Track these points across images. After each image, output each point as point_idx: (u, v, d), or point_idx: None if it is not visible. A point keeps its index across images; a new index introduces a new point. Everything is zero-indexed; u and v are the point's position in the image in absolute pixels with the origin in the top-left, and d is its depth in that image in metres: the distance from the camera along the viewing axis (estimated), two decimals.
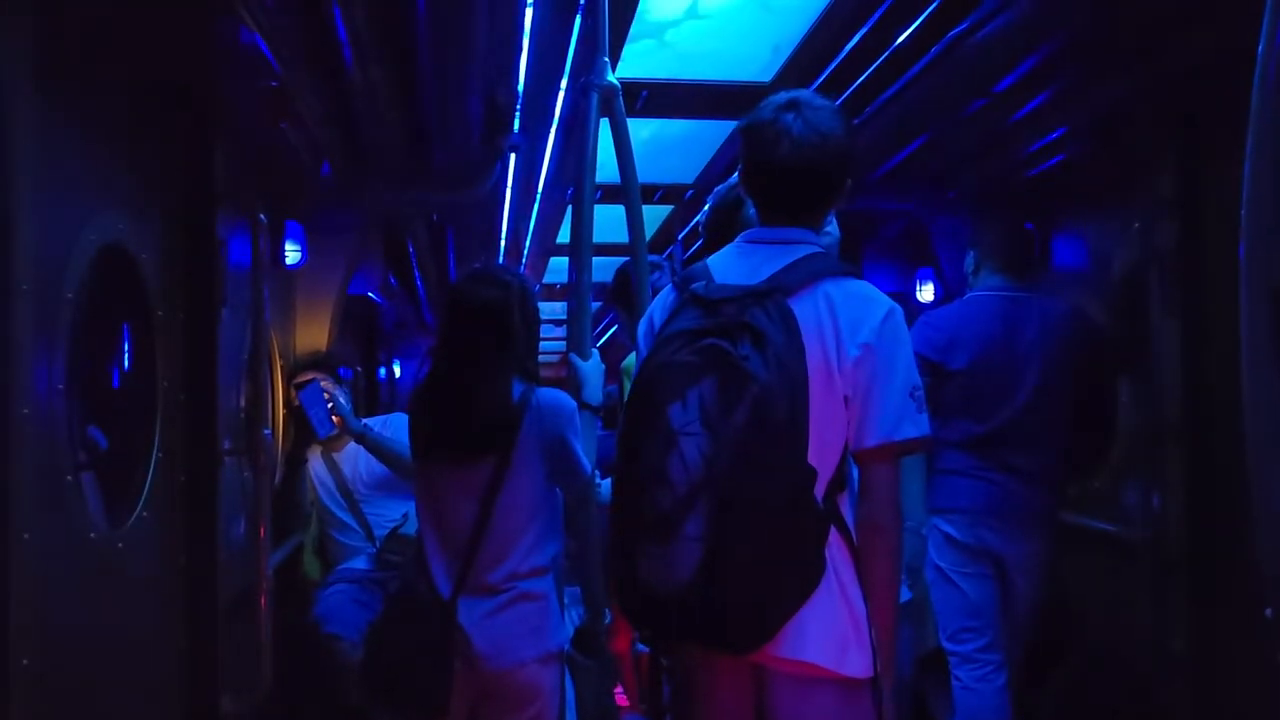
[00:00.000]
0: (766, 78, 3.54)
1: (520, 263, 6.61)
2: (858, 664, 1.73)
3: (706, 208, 2.58)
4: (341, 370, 4.41)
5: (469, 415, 2.40)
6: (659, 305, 1.98)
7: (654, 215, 5.66)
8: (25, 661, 1.61)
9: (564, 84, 3.45)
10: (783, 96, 1.85)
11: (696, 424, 1.65)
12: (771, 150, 1.81)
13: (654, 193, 5.05)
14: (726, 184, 2.54)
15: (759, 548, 1.64)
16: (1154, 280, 3.00)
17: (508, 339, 2.42)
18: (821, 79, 3.28)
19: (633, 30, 3.15)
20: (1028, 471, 3.14)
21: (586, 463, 2.46)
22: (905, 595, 2.94)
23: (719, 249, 1.98)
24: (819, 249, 1.86)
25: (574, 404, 2.48)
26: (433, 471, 2.48)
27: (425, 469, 2.51)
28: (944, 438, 3.16)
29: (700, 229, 2.64)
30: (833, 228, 2.21)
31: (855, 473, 1.83)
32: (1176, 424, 2.93)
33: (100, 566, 2.01)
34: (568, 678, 2.61)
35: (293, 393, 3.93)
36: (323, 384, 3.88)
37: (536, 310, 2.53)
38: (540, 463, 2.42)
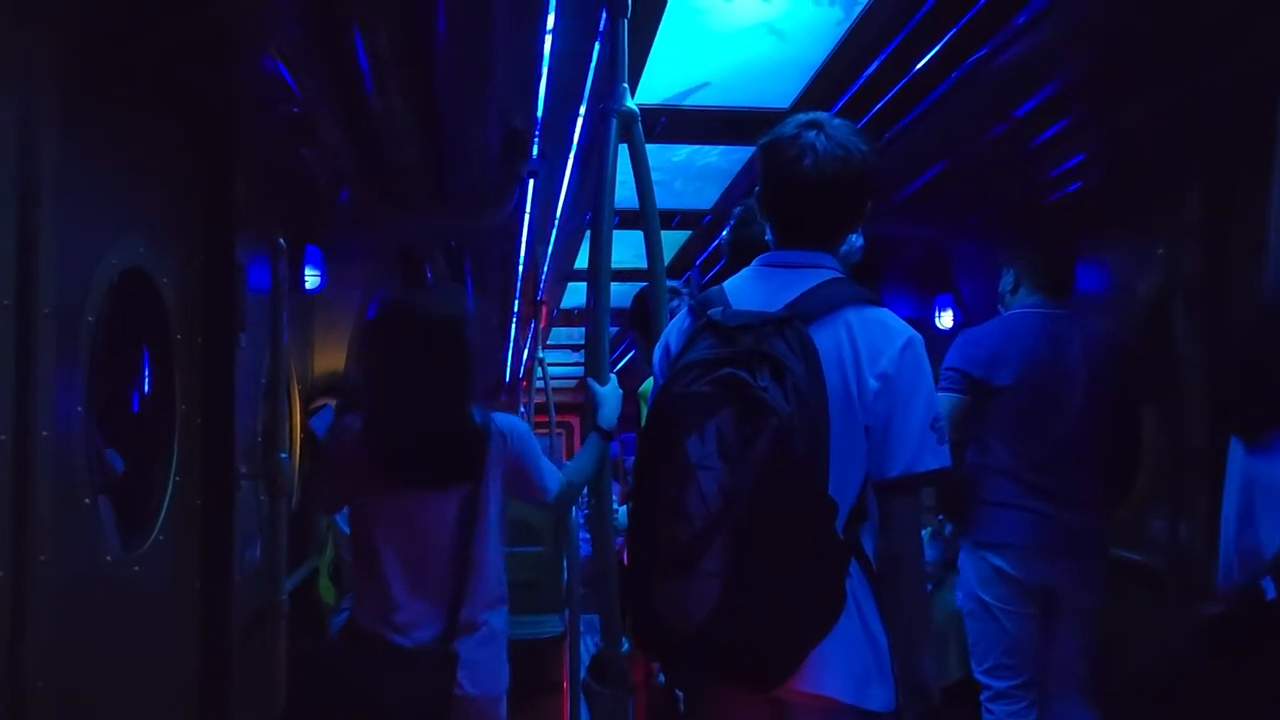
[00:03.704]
0: (786, 103, 3.54)
1: (538, 288, 6.62)
2: (880, 698, 1.69)
3: (732, 220, 2.54)
4: None
5: (440, 439, 2.26)
6: (674, 331, 1.95)
7: (672, 240, 5.66)
8: (40, 684, 1.61)
9: (583, 109, 3.46)
10: (804, 116, 1.84)
11: (714, 457, 1.61)
12: (794, 165, 1.78)
13: (672, 218, 5.05)
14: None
15: (778, 583, 1.61)
16: (1178, 306, 2.97)
17: (468, 359, 2.30)
18: (841, 104, 3.28)
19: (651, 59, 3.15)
20: (1077, 499, 3.02)
21: (551, 481, 2.39)
22: None
23: (742, 269, 1.94)
24: (838, 274, 1.84)
25: (528, 425, 2.39)
26: (394, 505, 2.26)
27: (379, 503, 2.27)
28: (989, 465, 3.06)
29: (724, 244, 2.59)
30: (855, 235, 2.17)
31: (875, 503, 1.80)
32: (1202, 452, 2.88)
33: (116, 589, 2.01)
34: (584, 706, 2.58)
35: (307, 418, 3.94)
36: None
37: (481, 334, 2.43)
38: (501, 488, 2.34)
